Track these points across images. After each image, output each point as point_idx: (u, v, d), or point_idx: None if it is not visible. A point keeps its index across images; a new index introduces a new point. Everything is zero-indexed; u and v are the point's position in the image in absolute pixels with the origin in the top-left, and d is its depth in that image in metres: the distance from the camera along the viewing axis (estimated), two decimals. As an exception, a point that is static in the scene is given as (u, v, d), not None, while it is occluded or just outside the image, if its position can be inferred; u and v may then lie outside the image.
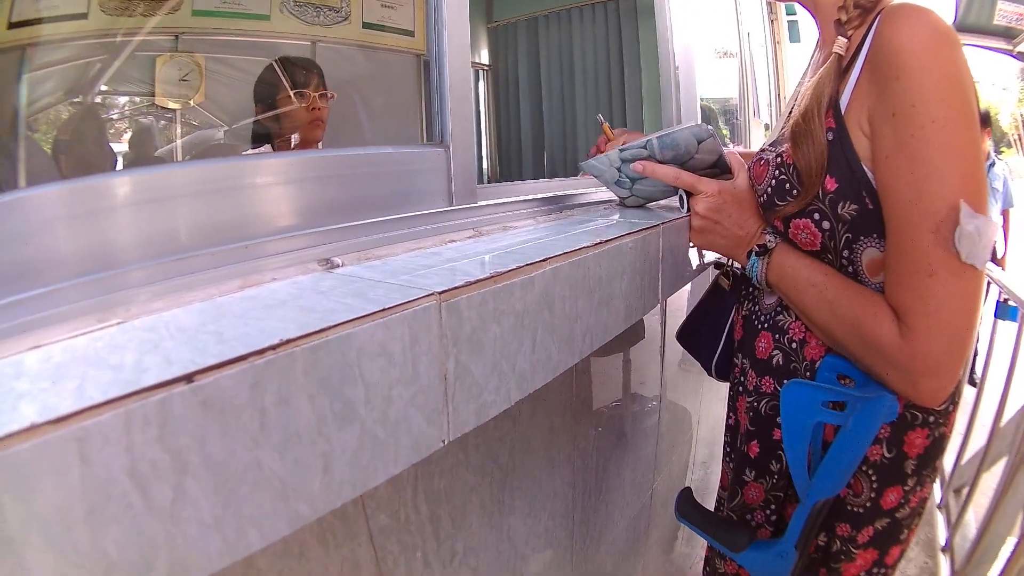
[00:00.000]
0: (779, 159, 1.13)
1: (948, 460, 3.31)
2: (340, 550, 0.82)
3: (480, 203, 1.11)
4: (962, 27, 6.16)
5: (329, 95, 2.45)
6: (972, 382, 3.80)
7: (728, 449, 1.38)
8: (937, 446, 1.10)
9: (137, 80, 2.89)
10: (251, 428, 0.43)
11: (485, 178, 4.64)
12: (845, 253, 1.05)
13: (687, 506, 1.27)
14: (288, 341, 0.44)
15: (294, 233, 0.79)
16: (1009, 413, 2.76)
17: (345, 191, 0.92)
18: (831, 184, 1.02)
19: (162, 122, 3.02)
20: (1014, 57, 6.27)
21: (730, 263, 1.39)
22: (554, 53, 4.02)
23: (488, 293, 0.63)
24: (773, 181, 1.13)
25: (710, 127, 1.21)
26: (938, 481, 3.34)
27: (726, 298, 1.41)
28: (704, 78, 3.70)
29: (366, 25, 3.43)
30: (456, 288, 0.59)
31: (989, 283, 3.11)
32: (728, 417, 1.38)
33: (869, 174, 0.98)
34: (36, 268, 0.59)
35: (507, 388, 0.69)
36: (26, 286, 0.56)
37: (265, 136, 2.43)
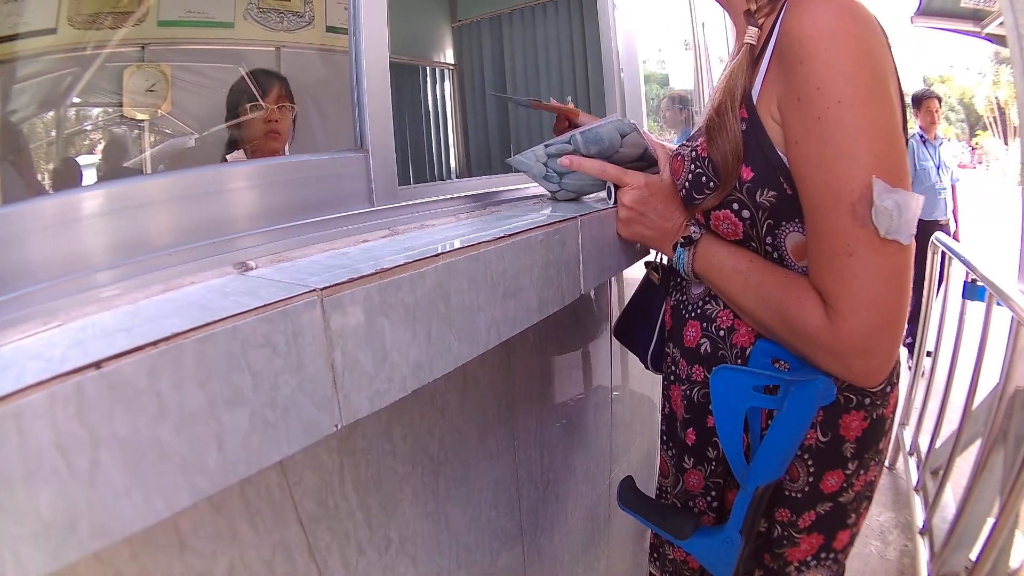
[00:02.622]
0: (694, 153, 1.19)
1: (923, 441, 3.39)
2: (271, 535, 0.92)
3: (402, 203, 1.20)
4: (929, 11, 6.30)
5: (290, 107, 2.56)
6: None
7: (665, 437, 1.43)
8: (876, 428, 1.15)
9: (107, 91, 2.97)
10: (151, 408, 0.54)
11: (453, 176, 4.73)
12: (768, 240, 1.11)
13: (629, 495, 1.32)
14: (177, 334, 0.55)
15: (215, 239, 0.90)
16: (981, 395, 2.81)
17: (268, 198, 1.02)
18: (747, 173, 1.08)
19: (135, 132, 3.12)
20: (984, 39, 6.39)
21: (658, 257, 1.46)
22: (519, 50, 4.09)
23: (373, 288, 0.73)
24: (690, 175, 1.20)
25: (633, 122, 1.29)
26: (915, 463, 3.42)
27: (657, 292, 1.47)
28: (675, 70, 3.79)
29: (329, 29, 3.49)
30: (338, 284, 0.69)
31: (950, 260, 3.19)
32: (663, 407, 1.43)
33: (784, 160, 1.03)
34: None
35: (401, 377, 0.78)
36: None
37: (231, 144, 2.55)
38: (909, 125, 6.25)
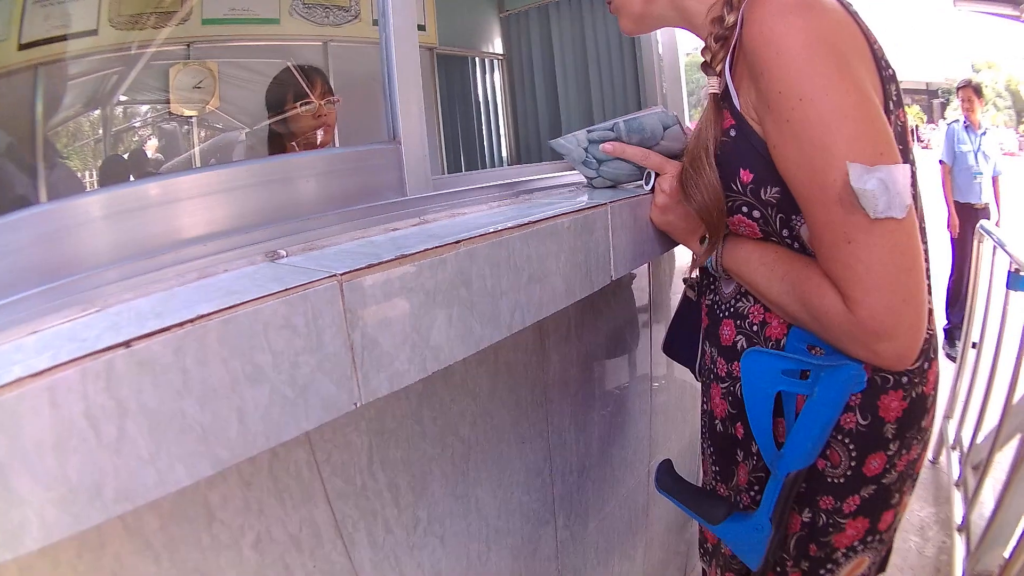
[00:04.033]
0: None
1: (967, 434, 3.35)
2: (298, 510, 0.96)
3: (435, 192, 1.23)
4: (968, -6, 6.30)
5: (335, 99, 2.60)
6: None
7: (706, 433, 1.44)
8: (917, 407, 1.14)
9: (154, 89, 3.05)
10: (176, 383, 0.58)
11: (505, 165, 4.75)
12: (785, 233, 1.11)
13: (667, 478, 1.34)
14: (202, 316, 0.59)
15: (251, 231, 0.95)
16: (1022, 389, 2.77)
17: (303, 190, 1.07)
18: (746, 176, 1.10)
19: (184, 128, 3.22)
20: (1025, 23, 6.38)
21: (693, 274, 1.49)
22: (567, 39, 4.07)
23: (393, 273, 0.76)
24: None
25: (675, 114, 1.31)
26: (957, 457, 3.38)
27: (695, 307, 1.50)
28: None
29: (376, 22, 3.53)
30: (358, 270, 0.73)
31: (995, 249, 3.15)
32: (703, 404, 1.44)
33: None
34: (44, 270, 0.79)
35: (421, 359, 0.82)
36: (30, 287, 0.75)
37: (279, 140, 2.60)
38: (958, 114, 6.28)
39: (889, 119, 1.03)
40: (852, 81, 0.96)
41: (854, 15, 1.05)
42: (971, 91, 6.08)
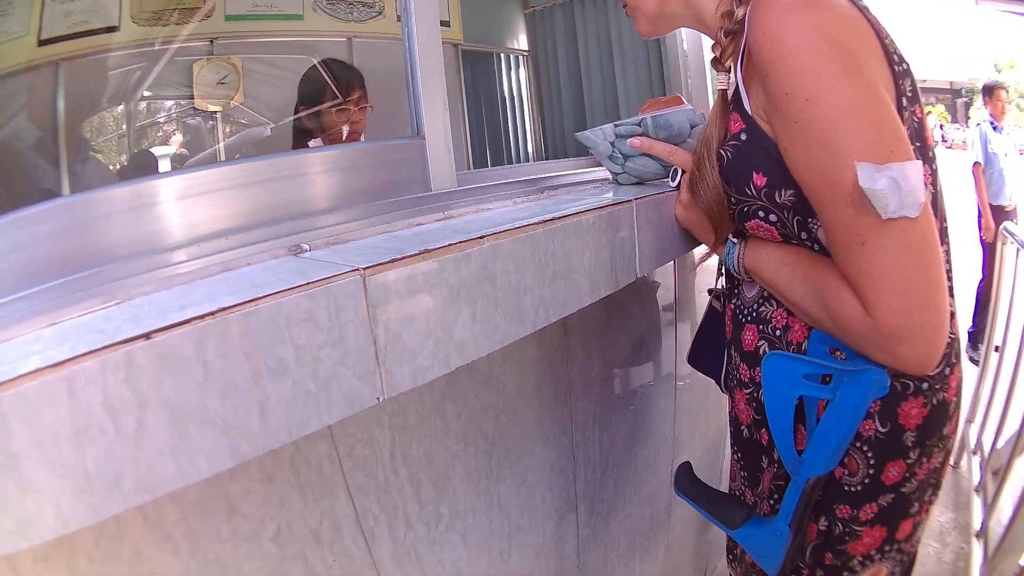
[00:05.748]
0: None
1: (988, 439, 3.31)
2: (319, 504, 0.96)
3: (460, 188, 1.23)
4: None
5: (368, 106, 2.60)
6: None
7: (733, 439, 1.42)
8: (938, 414, 1.11)
9: (178, 85, 3.09)
10: (197, 376, 0.57)
11: (531, 161, 4.77)
12: (804, 236, 1.09)
13: (685, 481, 1.32)
14: (223, 309, 0.58)
15: (275, 224, 0.94)
16: None
17: (328, 185, 1.07)
18: (760, 180, 1.07)
19: (209, 123, 3.25)
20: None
21: (719, 284, 1.47)
22: (592, 35, 4.05)
23: (417, 268, 0.75)
24: None
25: (702, 112, 1.29)
26: (978, 462, 3.34)
27: (720, 318, 1.47)
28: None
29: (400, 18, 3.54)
30: (381, 264, 0.72)
31: (1018, 250, 3.11)
32: (729, 410, 1.42)
33: None
34: (65, 263, 0.80)
35: (445, 354, 0.80)
36: (51, 279, 0.76)
37: (306, 135, 2.60)
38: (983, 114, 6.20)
39: (903, 115, 1.01)
40: (859, 78, 0.94)
41: (863, 10, 1.02)
42: (1003, 91, 5.99)
